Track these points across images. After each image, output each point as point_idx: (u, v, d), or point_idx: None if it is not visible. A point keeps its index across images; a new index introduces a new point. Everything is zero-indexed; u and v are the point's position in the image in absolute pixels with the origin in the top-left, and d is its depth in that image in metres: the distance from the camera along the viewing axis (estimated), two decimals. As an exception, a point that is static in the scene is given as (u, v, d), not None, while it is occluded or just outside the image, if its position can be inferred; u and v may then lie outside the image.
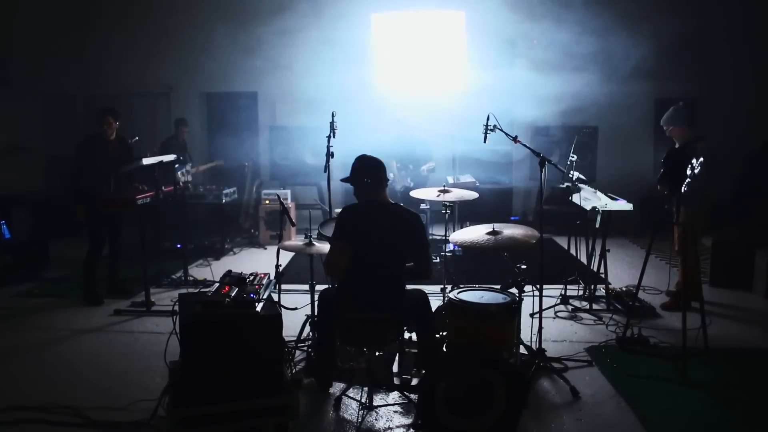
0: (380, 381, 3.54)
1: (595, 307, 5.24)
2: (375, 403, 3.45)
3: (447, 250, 5.17)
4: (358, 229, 3.40)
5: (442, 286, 4.59)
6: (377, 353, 3.54)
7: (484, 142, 4.20)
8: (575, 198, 5.42)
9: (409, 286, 3.63)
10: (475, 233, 3.84)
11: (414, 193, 5.12)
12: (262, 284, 3.34)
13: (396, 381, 3.63)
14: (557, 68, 8.10)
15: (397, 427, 3.31)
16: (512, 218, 8.59)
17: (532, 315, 4.23)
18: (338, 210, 3.67)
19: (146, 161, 5.45)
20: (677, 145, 5.13)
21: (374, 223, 3.40)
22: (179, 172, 6.68)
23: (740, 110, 8.41)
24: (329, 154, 4.47)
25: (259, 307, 3.06)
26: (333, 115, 4.50)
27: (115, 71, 9.17)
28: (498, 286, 3.71)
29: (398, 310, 3.40)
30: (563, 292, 5.42)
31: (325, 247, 3.87)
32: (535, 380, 3.83)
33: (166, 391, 3.17)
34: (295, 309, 4.58)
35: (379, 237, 3.37)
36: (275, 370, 3.06)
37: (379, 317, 3.36)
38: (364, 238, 3.38)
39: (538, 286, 4.03)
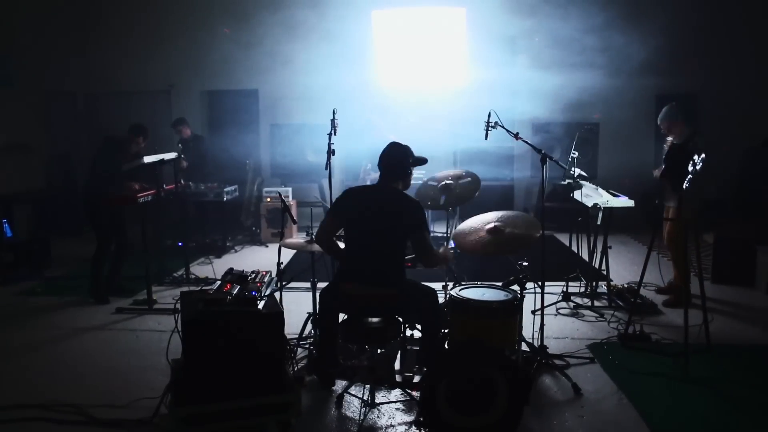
0: (382, 378, 3.54)
1: (596, 303, 5.24)
2: (377, 401, 3.45)
3: (449, 247, 5.16)
4: (352, 206, 3.53)
5: (444, 283, 4.58)
6: (379, 351, 3.54)
7: (486, 138, 4.20)
8: (576, 195, 5.42)
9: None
10: (477, 224, 3.86)
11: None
12: (264, 282, 3.34)
13: (398, 378, 3.63)
14: (558, 64, 8.10)
15: (399, 424, 3.32)
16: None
17: (533, 312, 4.23)
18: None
19: (147, 159, 5.45)
20: (671, 141, 5.11)
21: (371, 203, 3.49)
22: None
23: (741, 106, 8.39)
24: (330, 152, 4.46)
25: (260, 304, 3.06)
26: (334, 113, 4.49)
27: (116, 69, 9.17)
28: (500, 283, 3.70)
29: (394, 287, 3.40)
30: (565, 289, 5.41)
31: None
32: (537, 377, 3.83)
33: (168, 389, 3.18)
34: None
35: (374, 215, 3.44)
36: (277, 368, 3.07)
37: (374, 292, 3.36)
38: (357, 214, 3.49)
39: (539, 283, 4.03)
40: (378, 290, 3.37)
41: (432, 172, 7.72)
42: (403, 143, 3.65)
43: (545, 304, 4.09)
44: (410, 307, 3.49)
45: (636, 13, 8.21)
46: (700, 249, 5.21)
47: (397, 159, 3.57)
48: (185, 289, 5.53)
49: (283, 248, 4.26)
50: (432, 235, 7.49)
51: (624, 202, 5.09)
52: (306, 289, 4.97)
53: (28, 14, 8.44)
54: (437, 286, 4.71)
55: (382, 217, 3.43)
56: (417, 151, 3.64)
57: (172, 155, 5.88)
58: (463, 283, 4.01)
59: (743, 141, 8.19)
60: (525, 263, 3.77)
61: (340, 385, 3.70)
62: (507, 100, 7.48)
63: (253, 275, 3.42)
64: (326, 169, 4.51)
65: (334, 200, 3.68)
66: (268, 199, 8.12)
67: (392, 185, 3.54)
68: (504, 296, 3.53)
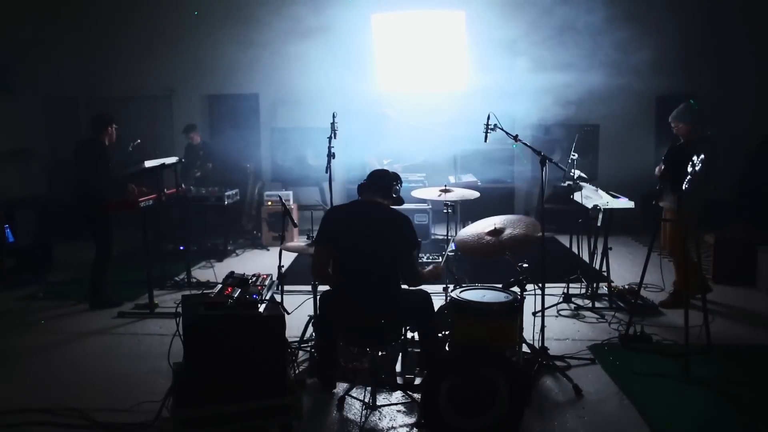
0: (383, 381, 3.56)
1: (597, 305, 5.25)
2: (378, 403, 3.46)
3: (449, 249, 5.16)
4: (340, 230, 3.45)
5: (445, 286, 4.60)
6: (380, 353, 3.55)
7: (485, 141, 4.22)
8: (577, 196, 5.42)
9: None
10: (477, 229, 3.86)
11: (416, 193, 5.12)
12: (265, 285, 3.35)
13: (399, 380, 3.64)
14: (558, 66, 8.10)
15: (401, 426, 3.32)
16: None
17: (534, 313, 4.23)
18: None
19: (148, 164, 5.46)
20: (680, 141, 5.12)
21: (358, 224, 3.42)
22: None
23: (741, 107, 8.40)
24: (330, 155, 4.48)
25: (261, 308, 3.07)
26: (334, 116, 4.51)
27: (117, 74, 9.20)
28: (500, 285, 3.71)
29: (393, 312, 3.38)
30: (565, 291, 5.42)
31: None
32: (538, 379, 3.83)
33: (170, 392, 3.19)
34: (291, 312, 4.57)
35: (363, 238, 3.38)
36: (278, 371, 3.07)
37: (374, 319, 3.34)
38: (346, 239, 3.42)
39: (540, 285, 4.03)
40: (378, 317, 3.35)
41: (432, 176, 7.77)
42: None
43: (546, 306, 4.09)
44: (406, 317, 3.50)
45: (635, 15, 8.22)
46: (701, 250, 5.21)
47: (381, 175, 3.60)
48: (186, 292, 5.54)
49: (284, 252, 4.27)
50: (432, 237, 7.52)
51: (624, 203, 5.10)
52: (307, 292, 4.97)
53: (28, 20, 8.48)
54: (437, 288, 4.76)
55: (373, 240, 3.37)
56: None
57: (173, 159, 5.89)
58: (463, 285, 4.02)
59: (744, 141, 8.19)
60: (525, 265, 3.77)
61: (341, 387, 3.70)
62: (506, 103, 7.49)
63: (254, 279, 3.43)
64: (326, 172, 4.53)
65: (319, 228, 3.54)
66: (269, 203, 8.14)
67: (375, 199, 3.50)
68: (504, 298, 3.53)
